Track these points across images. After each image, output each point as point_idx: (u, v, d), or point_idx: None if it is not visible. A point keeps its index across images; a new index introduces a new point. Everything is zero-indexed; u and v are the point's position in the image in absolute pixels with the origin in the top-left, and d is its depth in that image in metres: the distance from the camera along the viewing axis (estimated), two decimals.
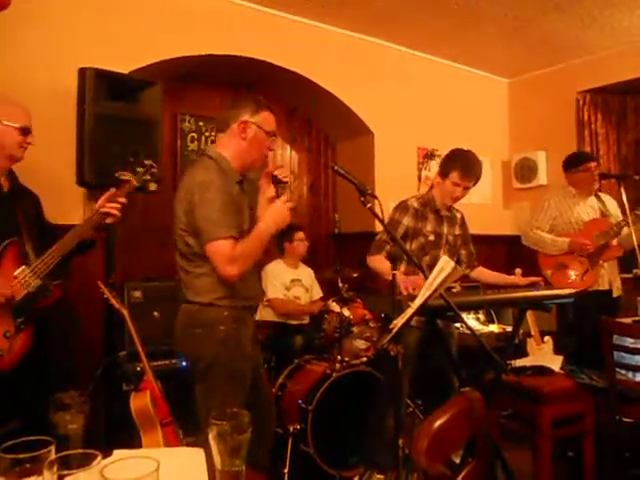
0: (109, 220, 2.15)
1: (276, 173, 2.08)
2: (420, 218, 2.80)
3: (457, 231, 2.94)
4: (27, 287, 2.01)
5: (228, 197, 1.95)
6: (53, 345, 2.21)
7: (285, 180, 2.09)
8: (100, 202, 2.14)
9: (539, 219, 3.67)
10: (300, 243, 3.74)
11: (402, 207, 2.83)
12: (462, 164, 2.72)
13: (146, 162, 2.27)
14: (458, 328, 3.13)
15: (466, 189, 2.76)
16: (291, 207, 2.02)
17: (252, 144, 2.06)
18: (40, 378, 2.02)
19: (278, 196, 2.05)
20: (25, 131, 2.10)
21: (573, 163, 3.64)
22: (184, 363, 3.19)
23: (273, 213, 1.99)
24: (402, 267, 2.71)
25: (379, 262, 2.72)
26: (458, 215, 2.98)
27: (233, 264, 1.89)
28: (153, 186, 2.28)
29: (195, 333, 1.98)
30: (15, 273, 2.00)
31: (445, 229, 2.87)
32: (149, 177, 2.29)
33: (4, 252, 2.01)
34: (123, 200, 2.15)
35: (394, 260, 2.08)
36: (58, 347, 2.28)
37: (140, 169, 2.24)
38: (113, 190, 2.16)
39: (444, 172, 2.78)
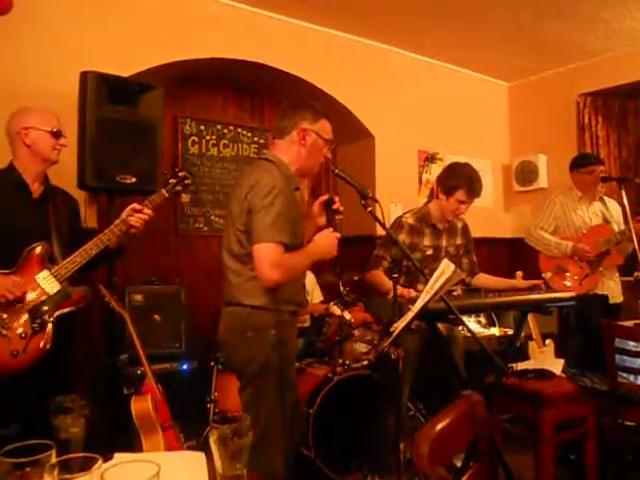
0: (133, 230, 2.21)
1: (336, 204, 2.08)
2: (416, 234, 2.78)
3: (459, 241, 2.93)
4: (47, 291, 2.05)
5: (288, 204, 1.96)
6: (70, 348, 2.24)
7: (341, 210, 2.09)
8: (125, 212, 2.20)
9: (543, 219, 3.66)
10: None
11: (397, 225, 2.80)
12: (468, 182, 2.70)
13: (180, 174, 2.34)
14: (462, 331, 3.12)
15: (468, 205, 2.76)
16: (338, 238, 2.02)
17: (311, 151, 2.09)
18: (50, 380, 2.03)
19: (329, 225, 2.05)
20: (57, 134, 2.18)
21: (579, 164, 3.63)
22: (185, 366, 3.20)
23: (324, 241, 2.00)
24: (401, 280, 2.70)
25: (378, 277, 2.70)
26: (459, 224, 2.96)
27: (276, 269, 1.88)
28: (186, 197, 2.31)
29: (246, 337, 1.97)
30: (36, 276, 2.04)
31: (444, 241, 2.86)
32: (180, 188, 2.35)
33: (30, 254, 2.05)
34: (150, 212, 2.22)
35: (396, 263, 2.09)
36: (73, 350, 2.29)
37: (172, 180, 2.31)
38: (135, 205, 2.21)
39: (448, 190, 2.73)
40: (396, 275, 2.06)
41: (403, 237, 2.74)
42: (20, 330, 1.99)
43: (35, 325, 2.01)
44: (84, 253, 2.11)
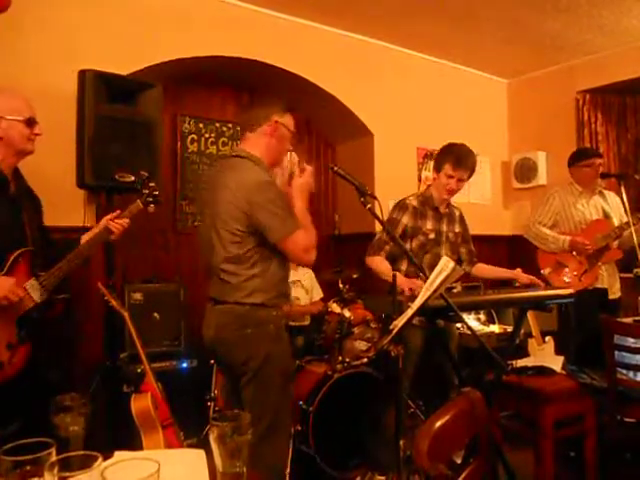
0: (113, 237, 2.22)
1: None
2: (419, 216, 2.80)
3: (457, 228, 2.94)
4: (34, 299, 2.00)
5: (280, 192, 2.05)
6: (50, 358, 2.21)
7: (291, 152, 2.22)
8: (103, 221, 2.19)
9: (542, 213, 3.66)
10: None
11: (400, 206, 2.83)
12: (454, 155, 2.74)
13: (151, 184, 2.33)
14: (459, 328, 3.13)
15: (460, 181, 2.76)
16: (305, 170, 2.12)
17: (280, 143, 2.16)
18: (36, 387, 2.01)
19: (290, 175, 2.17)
20: (31, 122, 2.05)
21: (577, 158, 3.63)
22: (185, 365, 3.20)
23: (296, 191, 2.10)
24: (404, 266, 2.71)
25: (378, 263, 2.72)
26: (457, 212, 2.98)
27: (311, 251, 2.04)
28: (152, 208, 2.35)
29: (246, 333, 2.02)
30: (25, 285, 1.98)
31: (445, 226, 2.88)
32: (151, 199, 2.33)
33: (17, 261, 1.97)
34: (127, 222, 2.22)
35: (394, 260, 2.09)
36: (55, 359, 2.28)
37: (146, 191, 2.30)
38: (118, 212, 2.23)
39: (438, 166, 2.81)
40: (395, 273, 2.06)
41: (407, 219, 2.77)
42: (6, 340, 1.92)
43: (22, 334, 1.96)
44: (70, 262, 2.07)
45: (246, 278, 2.02)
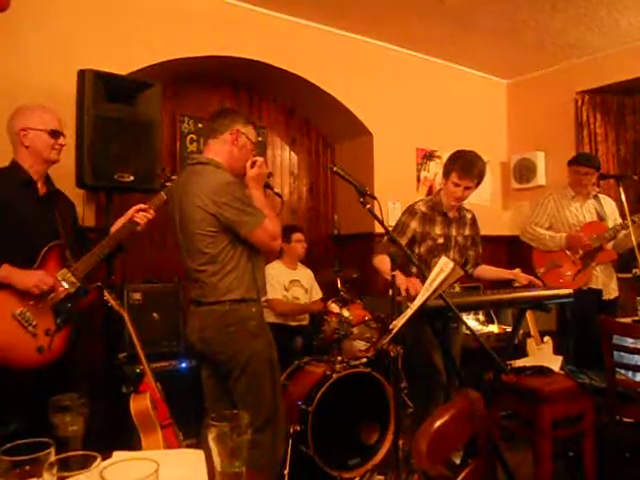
0: (138, 228, 2.30)
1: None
2: (428, 222, 2.81)
3: (467, 232, 2.94)
4: (67, 288, 2.11)
5: (244, 190, 2.16)
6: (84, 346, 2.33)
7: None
8: (132, 211, 2.28)
9: (538, 216, 3.69)
10: (298, 244, 3.74)
11: (410, 211, 2.84)
12: (461, 164, 2.73)
13: (173, 177, 2.39)
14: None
15: (467, 189, 2.75)
16: (256, 161, 2.20)
17: (241, 152, 2.25)
18: (67, 378, 2.13)
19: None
20: (55, 134, 2.19)
21: (572, 160, 3.68)
22: (184, 365, 3.20)
23: (252, 182, 2.20)
24: (414, 268, 2.71)
25: (382, 262, 2.72)
26: (468, 215, 2.98)
27: (278, 238, 2.19)
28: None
29: (229, 331, 2.11)
30: (56, 275, 2.10)
31: (454, 231, 2.87)
32: None
33: (48, 254, 2.11)
34: (153, 213, 2.31)
35: (394, 260, 2.09)
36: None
37: (169, 183, 2.36)
38: (141, 205, 2.30)
39: (445, 173, 2.81)
40: (394, 273, 2.06)
41: (415, 224, 2.78)
42: (45, 327, 2.05)
43: (59, 322, 2.08)
44: (99, 252, 2.19)
45: (222, 276, 2.12)
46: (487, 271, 2.98)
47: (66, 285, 2.12)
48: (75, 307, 2.14)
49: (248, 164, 2.21)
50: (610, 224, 3.54)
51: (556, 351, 3.57)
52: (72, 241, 2.23)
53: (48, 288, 2.04)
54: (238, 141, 2.22)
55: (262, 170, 2.22)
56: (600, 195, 3.71)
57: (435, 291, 1.81)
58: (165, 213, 2.37)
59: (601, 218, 3.59)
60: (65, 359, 2.12)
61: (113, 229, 2.31)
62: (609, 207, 3.66)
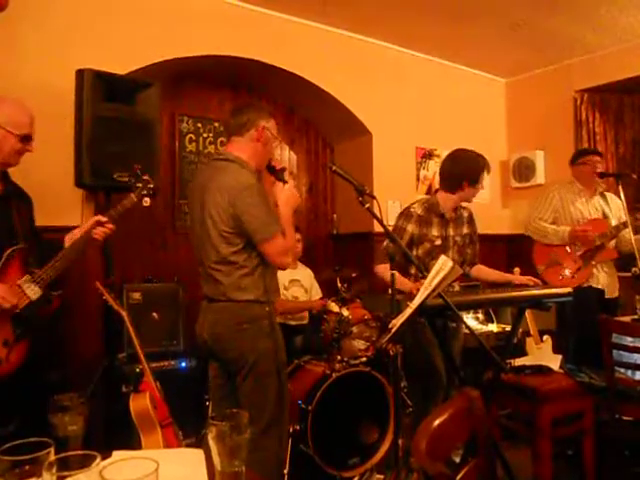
0: (95, 243, 2.21)
1: (273, 162, 2.30)
2: (424, 224, 2.79)
3: (465, 230, 2.94)
4: (29, 297, 1.99)
5: (264, 196, 2.12)
6: (46, 355, 2.22)
7: (278, 166, 2.28)
8: (89, 224, 2.16)
9: (542, 210, 3.66)
10: (297, 244, 3.74)
11: (405, 214, 2.82)
12: (485, 164, 2.81)
13: (144, 178, 2.32)
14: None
15: None
16: (289, 183, 2.20)
17: (266, 148, 2.24)
18: (33, 386, 2.01)
19: (279, 180, 2.22)
20: (26, 139, 2.05)
21: (577, 156, 3.66)
22: (183, 364, 3.20)
23: (285, 197, 2.18)
24: (413, 270, 2.71)
25: (384, 271, 2.71)
26: (465, 214, 2.97)
27: (288, 254, 2.15)
28: (146, 202, 2.34)
29: (243, 329, 2.09)
30: (18, 282, 1.98)
31: (451, 231, 2.86)
32: (145, 192, 2.33)
33: (10, 260, 1.98)
34: (112, 227, 2.19)
35: (392, 258, 2.10)
36: (51, 356, 2.27)
37: (139, 185, 2.30)
38: (100, 217, 2.19)
39: (475, 179, 2.78)
40: (393, 272, 2.06)
41: (412, 227, 2.76)
42: (3, 337, 1.92)
43: (18, 332, 1.96)
44: (59, 266, 2.05)
45: (238, 277, 2.10)
46: (484, 272, 2.97)
47: (29, 293, 1.98)
48: (36, 316, 2.02)
49: (284, 186, 2.19)
50: (613, 222, 3.54)
51: (555, 350, 3.57)
52: (30, 242, 2.09)
53: (10, 307, 1.90)
54: (263, 137, 2.21)
55: (296, 193, 2.22)
56: (607, 193, 3.69)
57: (434, 290, 1.81)
58: (152, 215, 2.33)
59: (605, 216, 3.58)
60: (24, 371, 1.97)
61: (68, 241, 2.14)
62: (615, 205, 3.63)
